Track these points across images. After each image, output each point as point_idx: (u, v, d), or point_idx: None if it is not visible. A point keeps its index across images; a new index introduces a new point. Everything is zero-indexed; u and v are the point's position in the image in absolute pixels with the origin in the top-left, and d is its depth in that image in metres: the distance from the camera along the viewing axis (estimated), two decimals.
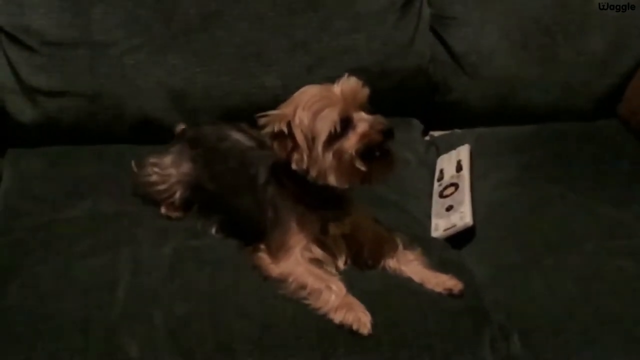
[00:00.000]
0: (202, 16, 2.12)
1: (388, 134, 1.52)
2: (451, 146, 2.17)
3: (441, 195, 1.96)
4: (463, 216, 1.84)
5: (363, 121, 1.52)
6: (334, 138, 1.50)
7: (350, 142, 1.50)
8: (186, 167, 1.81)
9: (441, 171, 2.07)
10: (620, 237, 1.76)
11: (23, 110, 2.11)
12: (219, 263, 1.66)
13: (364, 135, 1.51)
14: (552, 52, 2.26)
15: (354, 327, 1.48)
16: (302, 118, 1.51)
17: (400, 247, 1.64)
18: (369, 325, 1.49)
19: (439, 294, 1.59)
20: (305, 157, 1.52)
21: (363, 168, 1.50)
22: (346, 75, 1.57)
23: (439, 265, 1.67)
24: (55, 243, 1.74)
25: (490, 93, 2.30)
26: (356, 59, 2.19)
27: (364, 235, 1.65)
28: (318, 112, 1.51)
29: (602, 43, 2.25)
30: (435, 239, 1.82)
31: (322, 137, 1.50)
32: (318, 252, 1.59)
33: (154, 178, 1.83)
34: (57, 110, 2.11)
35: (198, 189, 1.80)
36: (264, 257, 1.61)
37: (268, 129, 1.54)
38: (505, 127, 2.26)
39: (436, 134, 2.33)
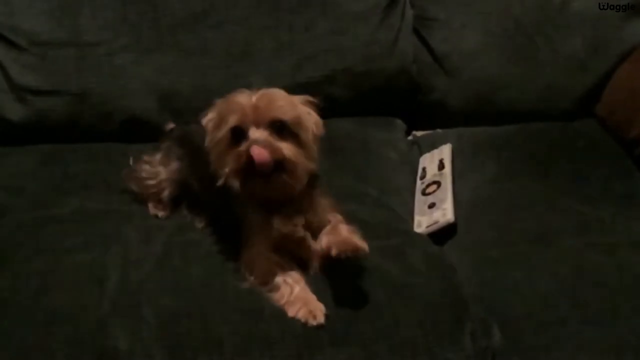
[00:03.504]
0: (190, 17, 2.15)
1: (249, 158, 1.48)
2: (433, 145, 2.21)
3: (424, 193, 2.00)
4: (445, 213, 1.87)
5: (250, 140, 1.50)
6: (230, 146, 1.53)
7: (230, 158, 1.52)
8: (174, 165, 1.84)
9: (424, 169, 2.10)
10: (597, 234, 1.80)
11: (12, 109, 2.13)
12: (206, 258, 1.68)
13: (237, 156, 1.51)
14: (532, 53, 2.29)
15: (305, 320, 1.51)
16: (213, 118, 1.56)
17: (335, 223, 1.62)
18: (318, 317, 1.51)
19: (422, 287, 1.62)
20: (212, 155, 1.57)
21: (236, 186, 1.52)
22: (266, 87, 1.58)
23: (422, 259, 1.70)
24: (44, 239, 1.76)
25: (472, 93, 2.33)
26: (340, 59, 2.23)
27: (317, 231, 1.64)
28: (223, 117, 1.54)
29: (581, 44, 2.28)
30: (418, 234, 1.85)
31: (217, 141, 1.54)
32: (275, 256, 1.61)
33: (144, 174, 1.85)
34: (45, 108, 2.13)
35: (185, 188, 1.83)
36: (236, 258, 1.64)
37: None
38: (486, 127, 2.29)
39: (419, 133, 2.36)
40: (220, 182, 1.55)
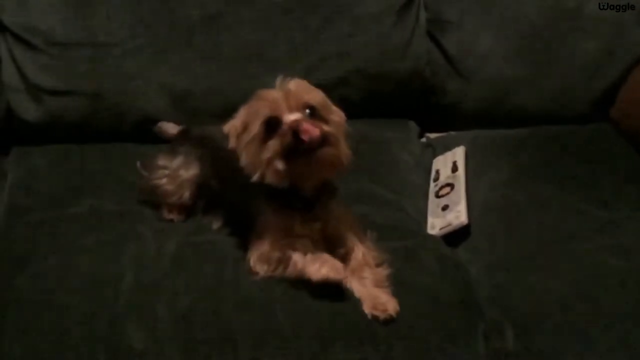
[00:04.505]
0: (204, 18, 2.16)
1: (296, 134, 1.49)
2: (447, 148, 2.20)
3: (437, 195, 2.00)
4: (459, 215, 1.87)
5: (287, 122, 1.51)
6: (265, 138, 1.53)
7: (272, 142, 1.52)
8: (195, 168, 1.83)
9: (437, 172, 2.11)
10: (611, 236, 1.79)
11: (28, 109, 2.14)
12: (220, 258, 1.69)
13: (281, 135, 1.51)
14: (546, 56, 2.29)
15: (331, 276, 1.51)
16: (238, 121, 1.57)
17: (360, 261, 1.63)
18: (341, 272, 1.53)
19: (434, 289, 1.63)
20: (244, 156, 1.56)
21: (281, 168, 1.51)
22: (286, 78, 1.59)
23: (436, 261, 1.71)
24: (60, 238, 1.77)
25: (485, 96, 2.33)
26: (354, 61, 2.23)
27: (333, 239, 1.66)
28: (252, 113, 1.54)
29: (595, 47, 2.28)
30: (431, 236, 1.85)
31: (251, 136, 1.53)
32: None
33: (165, 181, 1.84)
34: (61, 109, 2.14)
35: (204, 188, 1.83)
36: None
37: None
38: (500, 130, 2.29)
39: (432, 135, 2.36)
40: (256, 177, 1.54)
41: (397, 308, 1.54)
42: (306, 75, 2.16)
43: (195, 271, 1.66)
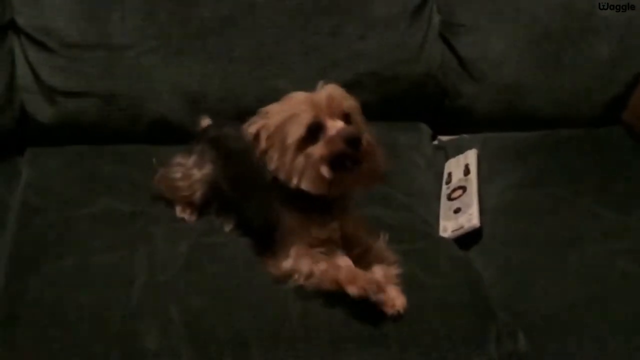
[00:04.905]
0: (218, 20, 2.16)
1: (351, 143, 1.48)
2: (459, 150, 2.21)
3: (449, 198, 2.00)
4: (471, 218, 1.88)
5: (333, 129, 1.50)
6: (305, 143, 1.51)
7: (318, 148, 1.50)
8: (208, 168, 1.83)
9: (449, 175, 2.11)
10: (623, 240, 1.80)
11: (42, 110, 2.14)
12: (232, 260, 1.69)
13: (329, 142, 1.49)
14: (559, 59, 2.29)
15: (372, 289, 1.49)
16: (271, 121, 1.54)
17: (372, 258, 1.62)
18: (381, 284, 1.51)
19: (446, 291, 1.64)
20: (275, 159, 1.53)
21: (327, 175, 1.49)
22: (327, 83, 1.58)
23: (448, 263, 1.72)
24: (73, 239, 1.78)
25: (498, 99, 2.32)
26: (367, 64, 2.23)
27: (349, 240, 1.66)
28: (291, 116, 1.52)
29: (608, 50, 2.28)
30: (443, 239, 1.85)
31: (292, 140, 1.51)
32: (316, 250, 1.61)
33: (178, 175, 1.85)
34: (75, 110, 2.14)
35: (216, 189, 1.83)
36: (269, 261, 1.64)
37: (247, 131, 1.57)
38: (512, 133, 2.29)
39: (444, 138, 2.36)
40: (295, 181, 1.51)
41: (405, 305, 1.54)
42: (319, 77, 2.16)
43: (208, 272, 1.67)
